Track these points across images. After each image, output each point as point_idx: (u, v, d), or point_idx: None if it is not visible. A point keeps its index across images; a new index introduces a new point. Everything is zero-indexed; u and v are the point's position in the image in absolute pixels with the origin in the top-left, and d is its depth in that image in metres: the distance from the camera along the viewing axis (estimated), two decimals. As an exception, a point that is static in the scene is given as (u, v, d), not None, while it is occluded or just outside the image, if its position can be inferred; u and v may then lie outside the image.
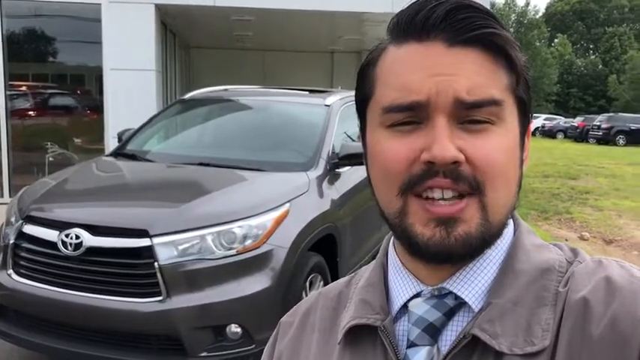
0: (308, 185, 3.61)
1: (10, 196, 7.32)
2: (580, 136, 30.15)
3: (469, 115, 0.59)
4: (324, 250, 3.63)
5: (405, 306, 0.67)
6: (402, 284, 0.68)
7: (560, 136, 33.41)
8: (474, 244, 0.60)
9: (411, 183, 0.60)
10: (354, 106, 0.72)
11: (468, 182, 0.59)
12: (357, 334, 0.68)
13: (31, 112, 8.04)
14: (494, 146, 0.60)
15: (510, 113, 0.62)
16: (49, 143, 7.78)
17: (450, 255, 0.60)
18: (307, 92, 4.98)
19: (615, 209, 9.17)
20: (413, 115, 0.60)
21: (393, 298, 0.69)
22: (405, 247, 0.65)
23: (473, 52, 0.60)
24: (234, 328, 2.96)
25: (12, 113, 7.57)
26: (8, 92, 7.38)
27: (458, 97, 0.59)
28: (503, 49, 0.61)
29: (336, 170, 3.98)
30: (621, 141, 27.16)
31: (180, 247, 2.93)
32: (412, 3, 0.63)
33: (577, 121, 32.80)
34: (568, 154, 20.47)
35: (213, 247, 2.97)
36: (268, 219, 3.15)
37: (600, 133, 28.10)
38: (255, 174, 3.70)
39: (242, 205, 3.19)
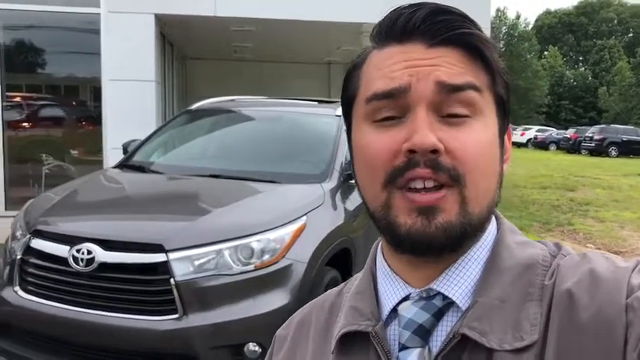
0: (323, 197, 3.51)
1: (5, 209, 7.15)
2: (572, 147, 30.34)
3: (450, 102, 0.61)
4: (339, 265, 3.53)
5: (394, 310, 0.67)
6: (391, 288, 0.68)
7: (552, 147, 33.58)
8: (454, 233, 0.61)
9: (394, 175, 0.61)
10: None
11: (447, 172, 0.60)
12: (350, 342, 0.69)
13: (26, 124, 7.89)
14: (474, 138, 0.62)
15: (489, 107, 0.64)
16: (44, 155, 7.64)
17: (431, 244, 0.61)
18: (316, 102, 4.89)
19: (617, 221, 9.14)
20: (394, 105, 0.62)
21: (382, 303, 0.69)
22: (388, 240, 0.66)
23: (451, 51, 0.63)
24: (253, 347, 2.84)
25: (8, 125, 7.43)
26: (5, 104, 7.24)
27: (438, 79, 0.61)
28: (478, 49, 0.63)
29: (350, 182, 3.89)
30: (613, 152, 27.35)
31: (197, 263, 2.82)
32: (392, 10, 0.66)
33: (569, 132, 33.05)
34: (562, 165, 20.53)
35: (231, 263, 2.86)
36: (286, 232, 3.04)
37: (593, 145, 28.28)
38: (269, 186, 3.59)
39: (259, 218, 3.08)
